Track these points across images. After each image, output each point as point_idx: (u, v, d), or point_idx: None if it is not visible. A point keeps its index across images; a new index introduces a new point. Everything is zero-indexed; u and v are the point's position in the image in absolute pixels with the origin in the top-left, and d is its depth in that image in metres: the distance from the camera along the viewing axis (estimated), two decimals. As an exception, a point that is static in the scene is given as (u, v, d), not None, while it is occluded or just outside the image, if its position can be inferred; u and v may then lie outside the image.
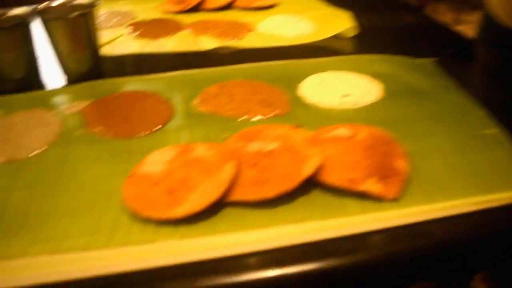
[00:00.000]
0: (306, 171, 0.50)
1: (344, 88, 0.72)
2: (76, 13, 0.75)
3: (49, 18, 0.75)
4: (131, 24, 1.05)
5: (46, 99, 0.74)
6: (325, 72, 0.78)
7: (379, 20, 1.11)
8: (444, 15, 4.35)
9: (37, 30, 0.78)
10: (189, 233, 0.46)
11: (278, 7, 1.15)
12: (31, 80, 0.80)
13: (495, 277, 1.11)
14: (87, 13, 0.76)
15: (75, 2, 0.82)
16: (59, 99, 0.74)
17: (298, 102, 0.70)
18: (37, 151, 0.60)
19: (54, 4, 0.81)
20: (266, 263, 0.43)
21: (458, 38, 1.00)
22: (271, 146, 0.51)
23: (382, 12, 1.17)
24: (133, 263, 0.43)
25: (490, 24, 1.02)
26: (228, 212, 0.48)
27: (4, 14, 0.80)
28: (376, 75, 0.78)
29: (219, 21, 1.04)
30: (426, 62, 0.84)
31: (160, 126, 0.64)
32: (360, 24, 1.00)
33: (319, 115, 0.67)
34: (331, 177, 0.51)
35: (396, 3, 1.24)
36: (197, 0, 1.11)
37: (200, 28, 1.00)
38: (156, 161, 0.51)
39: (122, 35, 0.99)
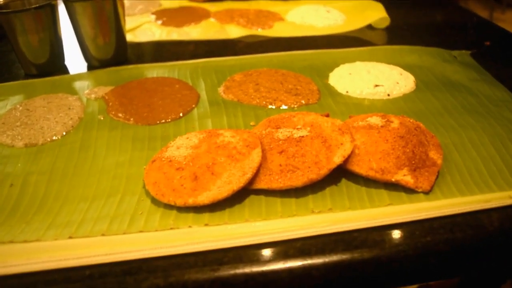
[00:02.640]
0: (336, 159, 0.48)
1: (375, 79, 0.71)
2: (102, -3, 0.75)
3: (74, 1, 0.75)
4: (156, 12, 1.05)
5: (68, 84, 0.74)
6: (356, 62, 0.77)
7: (412, 12, 1.09)
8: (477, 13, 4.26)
9: (62, 13, 0.78)
10: (213, 221, 0.45)
11: (306, -3, 1.14)
12: (54, 64, 0.80)
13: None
14: (114, -4, 0.76)
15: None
16: (81, 84, 0.74)
17: (328, 92, 0.69)
18: (58, 136, 0.60)
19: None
20: (291, 253, 0.42)
21: (495, 30, 0.97)
22: (300, 133, 0.50)
23: (415, 4, 1.15)
24: (153, 250, 0.42)
25: None
26: (253, 200, 0.47)
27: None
28: (408, 67, 0.76)
29: (246, 10, 1.04)
30: (461, 54, 0.82)
31: (184, 113, 0.64)
32: (392, 15, 0.98)
33: (349, 105, 0.65)
34: (361, 167, 0.49)
35: None
36: (224, -12, 1.11)
37: (226, 17, 1.00)
38: (181, 145, 0.50)
39: (146, 22, 0.99)
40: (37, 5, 0.76)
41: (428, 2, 1.17)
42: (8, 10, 0.75)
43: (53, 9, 0.77)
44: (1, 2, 0.79)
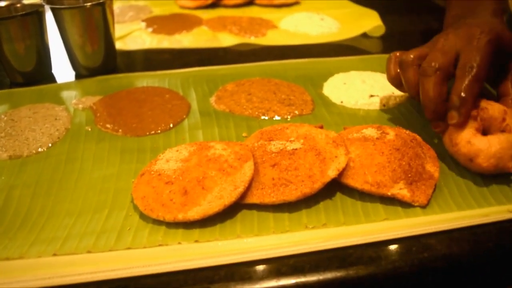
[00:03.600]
0: (330, 173, 0.48)
1: (370, 89, 0.70)
2: (92, 3, 0.75)
3: (63, 7, 0.75)
4: (146, 19, 1.04)
5: (55, 93, 0.74)
6: (351, 72, 0.77)
7: (407, 19, 1.09)
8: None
9: (50, 20, 0.77)
10: (203, 237, 0.44)
11: (301, 5, 1.14)
12: (41, 72, 0.80)
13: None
14: (104, 3, 0.76)
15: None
16: (69, 94, 0.74)
17: (322, 102, 0.69)
18: (43, 147, 0.60)
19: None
20: (283, 271, 0.41)
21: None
22: (293, 145, 0.50)
23: (410, 12, 1.15)
24: (141, 268, 0.42)
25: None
26: (245, 215, 0.47)
27: (18, 2, 0.80)
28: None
29: (239, 18, 1.04)
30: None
31: (174, 124, 0.63)
32: (387, 23, 0.98)
33: (344, 116, 0.65)
34: (356, 180, 0.49)
35: (425, 4, 1.22)
36: (216, -5, 1.11)
37: (219, 25, 1.00)
38: (170, 158, 0.50)
39: (137, 29, 0.99)
40: (24, 12, 0.75)
41: (423, 9, 1.17)
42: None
43: (40, 16, 0.77)
44: (-13, 9, 0.79)
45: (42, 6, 0.77)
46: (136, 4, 1.16)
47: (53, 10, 0.75)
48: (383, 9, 1.08)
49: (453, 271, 0.44)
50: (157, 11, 1.11)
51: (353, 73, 0.76)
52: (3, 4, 0.80)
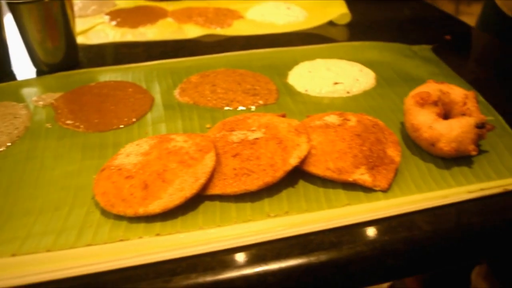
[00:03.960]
0: (292, 161, 0.48)
1: (335, 76, 0.71)
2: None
3: (20, 2, 0.73)
4: (110, 12, 1.03)
5: (15, 91, 0.72)
6: (316, 60, 0.77)
7: (374, 7, 1.10)
8: (443, 7, 4.36)
9: (8, 15, 0.76)
10: (165, 230, 0.44)
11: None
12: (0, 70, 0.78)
13: (496, 275, 1.11)
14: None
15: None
16: (29, 91, 0.72)
17: (287, 91, 0.69)
18: (1, 147, 0.59)
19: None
20: (247, 260, 0.42)
21: (457, 24, 0.99)
22: (255, 135, 0.50)
23: (381, 0, 1.16)
24: (103, 264, 0.41)
25: (492, 13, 1.01)
26: (207, 207, 0.47)
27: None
28: (368, 63, 0.77)
29: (205, 8, 1.03)
30: (421, 49, 0.83)
31: (137, 118, 0.63)
32: (354, 11, 0.99)
33: (308, 104, 0.66)
34: (318, 167, 0.49)
35: None
36: (181, -14, 1.10)
37: (184, 16, 0.99)
38: (130, 153, 0.49)
39: (100, 23, 0.98)
40: (-22, 9, 0.74)
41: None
42: None
43: (-2, 14, 0.75)
44: None
45: (-1, 3, 0.75)
46: (100, -3, 1.14)
47: (9, 5, 0.74)
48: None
49: (414, 253, 0.45)
50: (122, 3, 1.09)
51: (318, 61, 0.76)
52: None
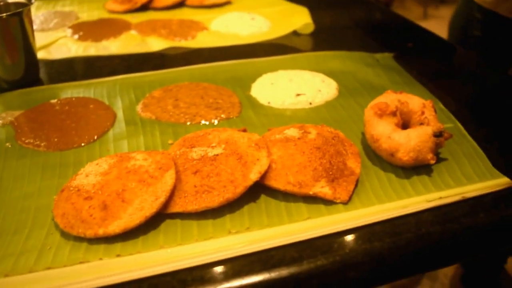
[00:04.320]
0: (252, 176, 0.49)
1: (298, 87, 0.72)
2: (8, 13, 0.72)
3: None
4: (72, 26, 1.02)
5: (-26, 110, 0.71)
6: (278, 71, 0.78)
7: (340, 16, 1.12)
8: (412, 11, 4.45)
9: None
10: (125, 250, 0.44)
11: (232, 5, 1.15)
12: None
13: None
14: (21, 12, 0.74)
15: (6, 0, 0.79)
16: (-11, 110, 0.71)
17: (250, 104, 0.70)
18: (-40, 168, 0.58)
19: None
20: (207, 278, 0.42)
21: (418, 31, 1.01)
22: (215, 151, 0.50)
23: (345, 8, 1.18)
24: (62, 287, 0.41)
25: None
26: (168, 225, 0.47)
27: None
28: (331, 73, 0.78)
29: (169, 20, 1.03)
30: (384, 57, 0.85)
31: (99, 135, 0.63)
32: (317, 19, 1.01)
33: (271, 116, 0.66)
34: (279, 181, 0.50)
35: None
36: (145, -2, 1.10)
37: (148, 29, 0.99)
38: (90, 173, 0.49)
39: (62, 37, 0.97)
40: None
41: (361, 5, 1.20)
42: None
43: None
44: None
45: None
46: (62, 10, 1.13)
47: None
48: (314, 4, 1.11)
49: (375, 265, 0.46)
50: (84, 16, 1.09)
51: (280, 73, 0.77)
52: None
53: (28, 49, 0.77)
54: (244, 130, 0.57)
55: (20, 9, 0.74)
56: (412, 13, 4.35)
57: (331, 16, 1.10)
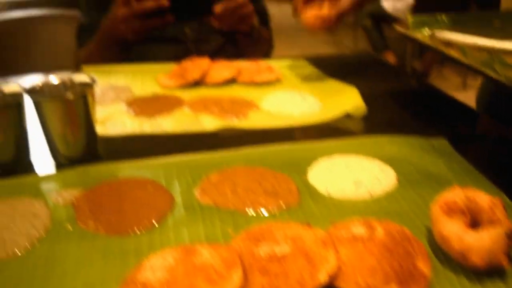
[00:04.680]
0: (321, 277, 0.48)
1: (355, 175, 0.72)
2: (73, 94, 0.76)
3: (43, 99, 0.76)
4: (127, 100, 1.06)
5: (34, 186, 0.73)
6: (334, 156, 0.78)
7: (382, 90, 1.13)
8: (450, 81, 4.48)
9: (29, 108, 0.78)
10: None
11: (281, 82, 1.17)
12: (18, 162, 0.79)
13: None
14: (87, 93, 0.77)
15: (70, 79, 0.83)
16: (48, 186, 0.73)
17: (308, 192, 0.69)
18: (20, 249, 0.58)
19: (47, 81, 0.82)
20: None
21: (464, 111, 1.01)
22: (282, 249, 0.50)
23: (385, 80, 1.19)
24: None
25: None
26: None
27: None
28: (387, 159, 0.78)
29: (220, 97, 1.06)
30: (439, 143, 0.84)
31: (158, 220, 0.63)
32: (366, 98, 1.02)
33: (331, 208, 0.66)
34: (347, 283, 0.49)
35: (401, 70, 1.27)
36: (198, 75, 1.13)
37: (200, 106, 1.01)
38: (156, 267, 0.49)
39: (117, 112, 1.00)
40: (4, 104, 0.76)
41: (400, 77, 1.22)
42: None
43: (21, 107, 0.77)
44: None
45: (22, 97, 0.78)
46: (116, 84, 1.17)
47: (34, 101, 0.76)
48: (359, 75, 1.12)
49: None
50: (138, 91, 1.12)
51: (337, 158, 0.77)
52: (-19, 92, 0.81)
53: (90, 127, 0.80)
54: (308, 225, 0.57)
55: (86, 90, 0.77)
56: (451, 83, 4.38)
57: (374, 89, 1.11)
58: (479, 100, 1.17)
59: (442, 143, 0.84)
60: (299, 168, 0.76)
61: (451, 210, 0.55)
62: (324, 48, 5.74)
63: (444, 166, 0.76)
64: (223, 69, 1.17)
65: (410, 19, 1.10)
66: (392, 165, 0.76)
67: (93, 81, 0.80)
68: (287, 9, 8.24)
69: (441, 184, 0.70)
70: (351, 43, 5.54)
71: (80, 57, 1.44)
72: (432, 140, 0.85)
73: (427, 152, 0.81)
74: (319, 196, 0.69)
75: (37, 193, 0.71)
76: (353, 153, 0.80)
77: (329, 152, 0.80)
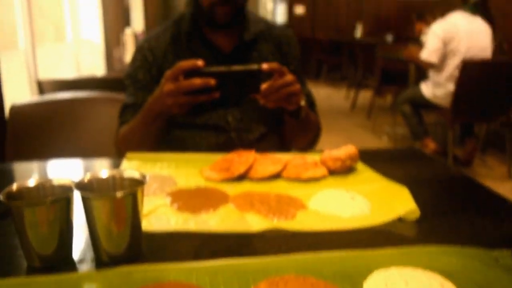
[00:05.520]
0: None
1: (415, 293, 0.67)
2: (123, 192, 0.76)
3: (93, 196, 0.76)
4: (171, 193, 1.05)
5: (75, 285, 0.71)
6: (391, 269, 0.74)
7: (433, 191, 1.10)
8: (494, 170, 4.38)
9: (76, 203, 0.78)
10: None
11: (328, 179, 1.16)
12: (60, 256, 0.78)
13: None
14: (136, 190, 0.77)
15: (121, 175, 0.83)
16: (88, 287, 0.71)
17: (363, 309, 0.65)
18: None
19: (96, 175, 0.83)
20: None
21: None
22: None
23: (433, 178, 1.16)
24: None
25: None
26: None
27: (47, 181, 0.81)
28: (448, 273, 0.73)
29: (266, 194, 1.04)
30: (502, 255, 0.79)
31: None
32: (417, 199, 0.99)
33: (390, 331, 0.61)
34: None
35: (439, 157, 1.24)
36: (244, 169, 1.13)
37: (246, 203, 1.00)
38: None
39: (161, 205, 0.99)
40: (53, 198, 0.76)
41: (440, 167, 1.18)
42: (21, 202, 0.76)
43: (69, 202, 0.78)
44: (14, 190, 0.79)
45: (71, 191, 0.78)
46: (160, 174, 1.18)
47: (83, 198, 0.76)
48: (412, 182, 1.09)
49: None
50: (182, 182, 1.12)
51: (394, 271, 0.73)
52: (32, 184, 0.82)
53: (135, 225, 0.79)
54: None
55: (136, 188, 0.77)
56: (495, 172, 4.28)
57: (421, 191, 1.08)
58: None
59: (505, 255, 0.79)
60: (354, 280, 0.72)
61: None
62: (359, 132, 5.76)
63: (510, 284, 0.71)
64: (268, 163, 1.16)
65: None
66: (453, 280, 0.72)
67: (144, 178, 0.81)
68: (324, 92, 8.42)
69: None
70: (390, 129, 5.55)
71: (120, 134, 1.48)
72: (495, 252, 0.80)
73: (490, 267, 0.76)
74: (377, 317, 0.64)
75: (77, 293, 0.69)
76: (410, 264, 0.76)
77: (384, 263, 0.76)
